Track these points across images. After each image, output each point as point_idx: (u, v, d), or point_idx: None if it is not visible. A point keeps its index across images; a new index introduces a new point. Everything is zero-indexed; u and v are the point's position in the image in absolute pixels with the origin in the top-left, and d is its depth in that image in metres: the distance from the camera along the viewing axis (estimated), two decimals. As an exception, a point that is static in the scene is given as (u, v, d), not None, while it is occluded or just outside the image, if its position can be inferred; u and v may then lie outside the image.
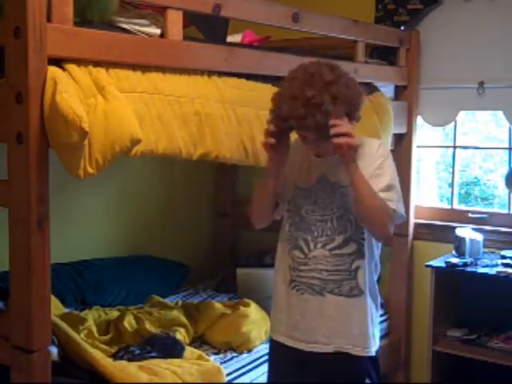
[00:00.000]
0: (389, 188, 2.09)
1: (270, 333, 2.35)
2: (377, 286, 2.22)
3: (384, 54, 3.57)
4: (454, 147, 3.73)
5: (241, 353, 2.91)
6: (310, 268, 2.14)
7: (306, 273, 2.15)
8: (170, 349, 2.58)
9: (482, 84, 3.45)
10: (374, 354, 2.20)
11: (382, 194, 2.05)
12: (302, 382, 2.21)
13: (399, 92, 3.59)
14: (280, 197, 2.22)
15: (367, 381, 2.20)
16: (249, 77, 2.48)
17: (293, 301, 2.20)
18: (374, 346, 2.20)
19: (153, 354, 2.53)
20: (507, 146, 3.61)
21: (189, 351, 2.67)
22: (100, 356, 2.37)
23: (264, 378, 2.69)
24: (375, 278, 2.22)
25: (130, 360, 2.47)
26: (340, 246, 2.12)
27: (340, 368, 2.17)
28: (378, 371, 2.26)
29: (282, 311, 2.25)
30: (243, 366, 2.78)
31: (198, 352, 2.69)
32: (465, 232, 3.36)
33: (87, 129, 1.77)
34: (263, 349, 2.97)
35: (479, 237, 3.34)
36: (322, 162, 2.17)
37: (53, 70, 1.82)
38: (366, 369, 2.19)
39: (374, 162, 2.10)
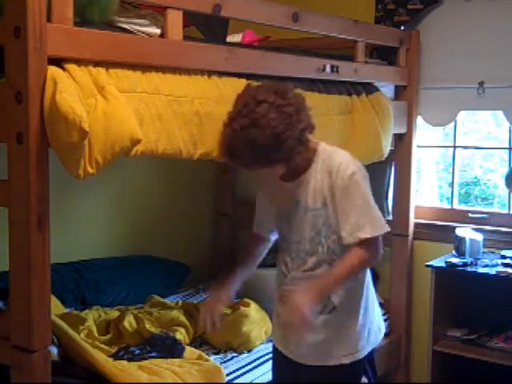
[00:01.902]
0: (361, 210, 2.05)
1: (271, 335, 2.37)
2: (361, 287, 2.19)
3: (384, 54, 3.57)
4: (454, 147, 3.73)
5: (241, 353, 2.91)
6: (290, 288, 2.15)
7: (287, 292, 2.16)
8: (170, 349, 2.58)
9: (481, 84, 3.45)
10: (363, 355, 2.18)
11: (356, 221, 2.03)
12: (302, 382, 2.23)
13: (399, 92, 3.59)
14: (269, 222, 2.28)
15: (364, 379, 2.21)
16: (249, 77, 2.48)
17: (281, 314, 2.24)
18: (362, 349, 2.18)
19: (153, 354, 2.53)
20: (507, 145, 3.61)
21: (189, 351, 2.67)
22: (100, 356, 2.38)
23: (264, 378, 2.70)
24: (356, 282, 2.16)
25: (130, 360, 2.47)
26: (312, 268, 2.14)
27: (330, 376, 2.17)
28: (375, 369, 2.27)
29: (276, 322, 2.31)
30: (243, 366, 2.79)
31: (197, 352, 2.69)
32: (465, 232, 3.36)
33: (87, 129, 1.77)
34: (263, 349, 2.97)
35: (479, 237, 3.34)
36: (291, 186, 2.14)
37: (53, 70, 1.82)
38: (357, 371, 2.19)
39: (343, 181, 2.05)
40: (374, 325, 2.24)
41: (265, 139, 1.92)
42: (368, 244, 2.05)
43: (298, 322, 1.97)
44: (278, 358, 2.31)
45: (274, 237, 2.33)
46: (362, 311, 2.18)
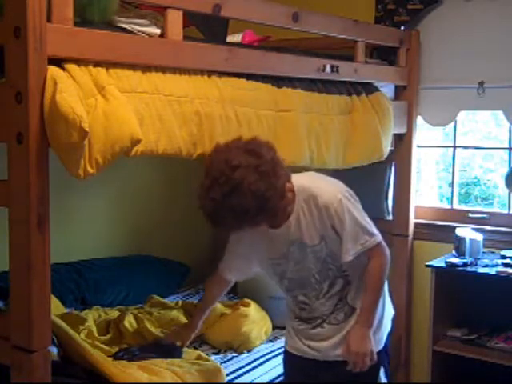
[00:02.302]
0: (359, 228, 2.12)
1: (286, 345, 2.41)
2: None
3: (384, 54, 3.57)
4: (454, 147, 3.73)
5: (241, 353, 2.92)
6: (314, 315, 2.24)
7: (309, 316, 2.24)
8: (169, 353, 2.57)
9: (481, 84, 3.44)
10: (380, 347, 2.25)
11: (354, 239, 2.10)
12: (313, 382, 2.26)
13: (399, 92, 3.59)
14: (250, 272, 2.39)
15: (382, 369, 2.26)
16: (249, 77, 2.48)
17: (299, 329, 2.30)
18: (378, 342, 2.24)
19: (152, 355, 2.53)
20: (507, 145, 3.61)
21: (189, 351, 2.67)
22: (100, 356, 2.38)
23: (264, 378, 2.71)
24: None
25: (129, 360, 2.47)
26: (328, 290, 2.20)
27: (348, 371, 2.20)
28: (389, 356, 2.36)
29: (292, 333, 2.34)
30: (243, 366, 2.79)
31: (197, 352, 2.69)
32: (465, 232, 3.35)
33: (87, 129, 1.77)
34: (263, 349, 2.97)
35: (479, 237, 3.34)
36: (280, 231, 2.16)
37: (53, 70, 1.82)
38: (378, 360, 2.23)
39: (334, 216, 2.10)
40: (388, 315, 2.32)
41: (247, 204, 1.90)
42: (373, 253, 2.15)
43: (361, 366, 2.12)
44: (290, 360, 2.36)
45: (235, 279, 2.46)
46: (380, 307, 2.24)
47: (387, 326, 2.32)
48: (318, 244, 2.14)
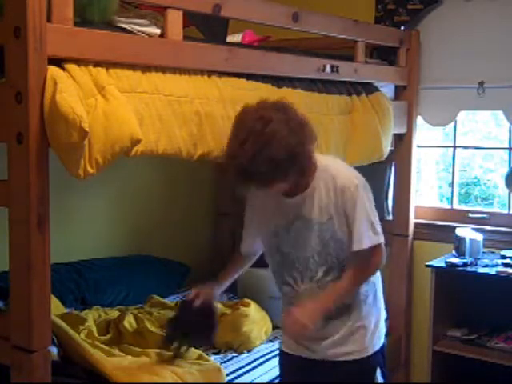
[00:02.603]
0: (367, 221, 2.12)
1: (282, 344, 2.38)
2: (370, 288, 2.25)
3: (384, 54, 3.57)
4: (454, 147, 3.73)
5: (241, 353, 2.91)
6: (302, 300, 2.18)
7: (297, 304, 2.19)
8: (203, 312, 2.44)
9: (482, 84, 3.45)
10: (373, 351, 2.23)
11: (360, 232, 2.10)
12: (307, 381, 2.24)
13: (399, 92, 3.59)
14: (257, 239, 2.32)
15: (378, 371, 2.25)
16: (249, 77, 2.48)
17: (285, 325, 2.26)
18: (374, 346, 2.23)
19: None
20: (507, 145, 3.61)
21: (189, 351, 2.67)
22: (100, 356, 2.38)
23: (264, 378, 2.70)
24: (366, 283, 2.23)
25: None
26: (323, 276, 2.17)
27: (344, 372, 2.20)
28: (385, 359, 2.32)
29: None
30: (243, 366, 2.79)
31: (198, 352, 2.68)
32: (465, 232, 3.35)
33: (87, 129, 1.77)
34: (263, 349, 2.97)
35: (479, 237, 3.34)
36: (294, 201, 2.17)
37: (53, 70, 1.82)
38: (372, 364, 2.22)
39: (348, 200, 2.11)
40: (383, 317, 2.31)
41: (281, 156, 1.95)
42: (372, 252, 2.14)
43: (297, 332, 2.10)
44: (286, 359, 2.34)
45: (259, 253, 2.39)
46: (374, 308, 2.24)
47: (383, 328, 2.31)
48: (325, 223, 2.13)
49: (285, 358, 2.35)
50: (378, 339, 2.27)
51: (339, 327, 2.19)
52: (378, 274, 2.29)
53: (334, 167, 2.18)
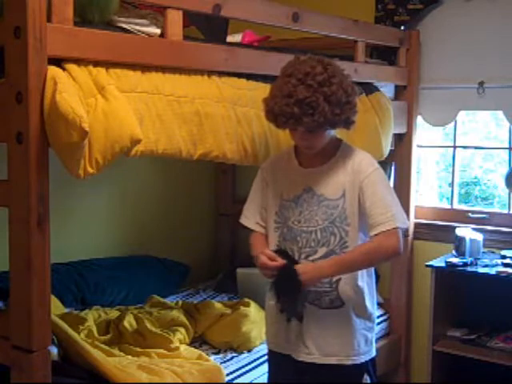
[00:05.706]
0: (385, 204, 2.10)
1: (267, 338, 2.36)
2: (368, 290, 2.21)
3: (384, 54, 3.57)
4: (454, 147, 3.73)
5: (241, 353, 2.91)
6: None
7: None
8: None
9: (481, 84, 3.45)
10: (361, 361, 2.19)
11: (382, 216, 2.08)
12: (301, 382, 2.23)
13: (399, 92, 3.59)
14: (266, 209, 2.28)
15: (367, 379, 2.21)
16: (249, 77, 2.48)
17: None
18: (363, 354, 2.19)
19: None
20: (507, 145, 3.61)
21: (189, 351, 2.67)
22: (100, 356, 2.37)
23: (264, 378, 2.70)
24: (364, 283, 2.19)
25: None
26: (322, 258, 2.13)
27: (327, 376, 2.17)
28: (375, 368, 2.27)
29: (270, 320, 2.28)
30: (243, 366, 2.79)
31: (198, 352, 2.69)
32: (465, 232, 3.35)
33: (87, 129, 1.77)
34: (263, 349, 2.96)
35: (479, 237, 3.34)
36: (307, 173, 2.18)
37: (53, 70, 1.82)
38: (354, 376, 2.18)
39: (367, 177, 2.12)
40: (375, 325, 2.27)
41: (340, 96, 2.03)
42: (391, 235, 2.09)
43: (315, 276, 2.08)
44: (275, 360, 2.31)
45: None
46: (369, 312, 2.21)
47: (362, 345, 2.21)
48: (338, 199, 2.12)
49: (273, 358, 2.32)
50: (369, 348, 2.22)
51: (328, 326, 2.15)
52: (374, 284, 2.24)
53: (356, 149, 2.23)
